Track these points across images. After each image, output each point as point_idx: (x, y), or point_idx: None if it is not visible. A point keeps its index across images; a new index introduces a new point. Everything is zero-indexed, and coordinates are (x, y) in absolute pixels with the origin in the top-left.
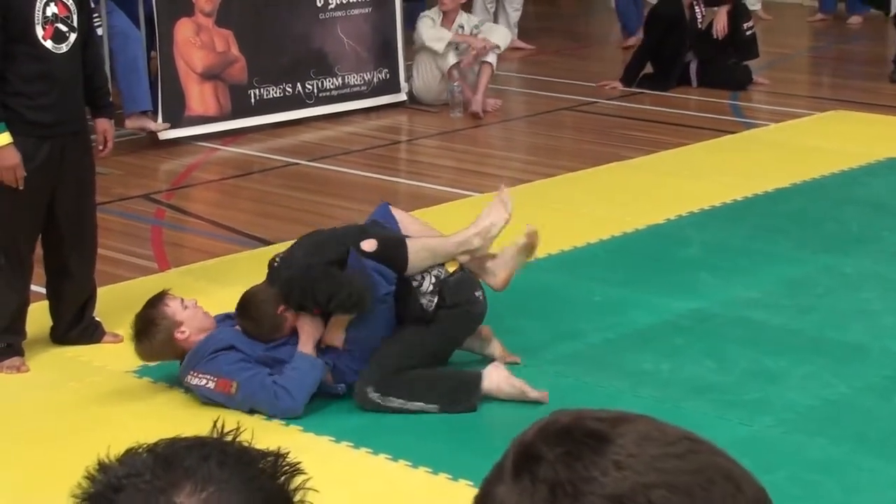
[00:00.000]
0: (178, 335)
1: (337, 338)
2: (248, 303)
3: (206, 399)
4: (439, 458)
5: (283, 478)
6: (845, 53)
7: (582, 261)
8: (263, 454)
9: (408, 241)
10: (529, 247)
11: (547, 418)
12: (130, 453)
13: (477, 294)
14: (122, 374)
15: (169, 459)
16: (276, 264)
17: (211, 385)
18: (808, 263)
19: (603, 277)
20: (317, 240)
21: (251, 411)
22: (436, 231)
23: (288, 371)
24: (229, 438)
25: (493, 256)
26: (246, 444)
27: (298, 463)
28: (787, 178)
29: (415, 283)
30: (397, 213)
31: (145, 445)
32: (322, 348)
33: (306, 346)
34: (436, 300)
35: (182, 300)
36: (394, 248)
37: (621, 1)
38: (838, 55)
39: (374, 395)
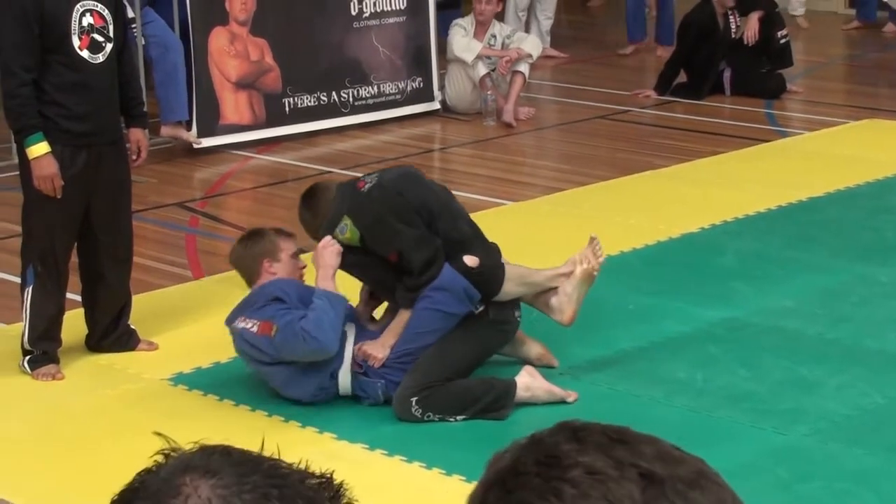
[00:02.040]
0: (267, 265)
1: (381, 351)
2: (315, 191)
3: (248, 348)
4: (473, 467)
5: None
6: (880, 62)
7: (616, 269)
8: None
9: (506, 281)
10: (587, 275)
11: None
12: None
13: (516, 314)
14: (157, 382)
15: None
16: (368, 184)
17: (254, 329)
18: (843, 272)
19: (637, 286)
20: (417, 178)
21: (286, 418)
22: None
23: (309, 313)
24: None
25: (555, 291)
26: (286, 465)
27: (331, 479)
28: (821, 186)
29: None
30: None
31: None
32: (361, 358)
33: (325, 280)
34: (482, 307)
35: (298, 251)
36: (492, 271)
37: (630, 6)
38: (873, 63)
39: (416, 411)
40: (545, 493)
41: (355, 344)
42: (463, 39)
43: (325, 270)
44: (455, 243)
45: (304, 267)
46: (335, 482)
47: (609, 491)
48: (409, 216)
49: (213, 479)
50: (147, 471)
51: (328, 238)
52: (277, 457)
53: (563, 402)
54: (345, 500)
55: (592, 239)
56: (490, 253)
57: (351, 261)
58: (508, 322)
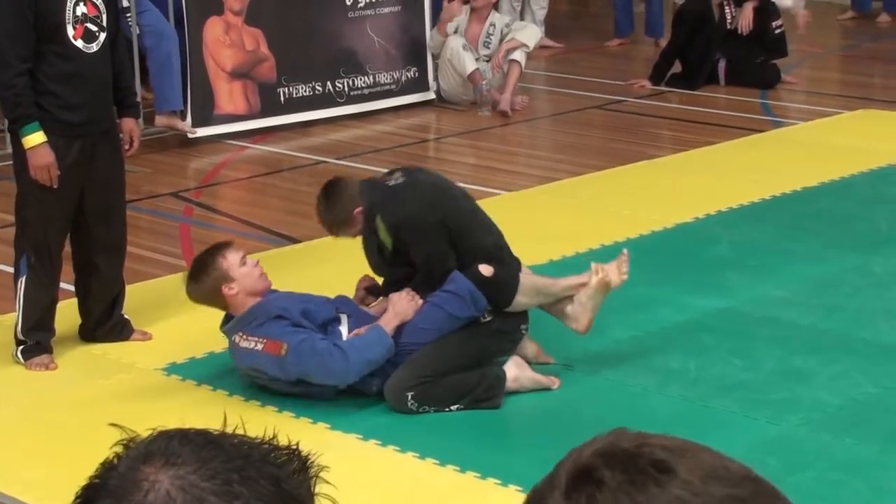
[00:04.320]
0: (226, 290)
1: (389, 325)
2: (335, 187)
3: (252, 368)
4: (467, 457)
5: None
6: (875, 52)
7: (609, 259)
8: (261, 443)
9: (519, 291)
10: (603, 284)
11: (607, 438)
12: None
13: (523, 328)
14: (151, 372)
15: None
16: (395, 182)
17: (259, 347)
18: (836, 262)
19: (631, 276)
20: (445, 198)
21: (280, 408)
22: None
23: (353, 338)
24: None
25: (570, 299)
26: (243, 437)
27: (298, 451)
28: (815, 176)
29: None
30: None
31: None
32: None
33: (388, 323)
34: (490, 317)
35: (244, 256)
36: (505, 282)
37: (619, 1)
38: (868, 54)
39: (412, 404)
40: None
41: (349, 331)
42: (457, 40)
43: (396, 319)
44: (476, 256)
45: (257, 264)
46: (302, 454)
47: None
48: (433, 228)
49: (173, 469)
50: (107, 464)
51: (412, 293)
52: (241, 433)
53: (548, 388)
54: (312, 471)
55: (623, 254)
56: (508, 266)
57: (376, 262)
58: (512, 334)
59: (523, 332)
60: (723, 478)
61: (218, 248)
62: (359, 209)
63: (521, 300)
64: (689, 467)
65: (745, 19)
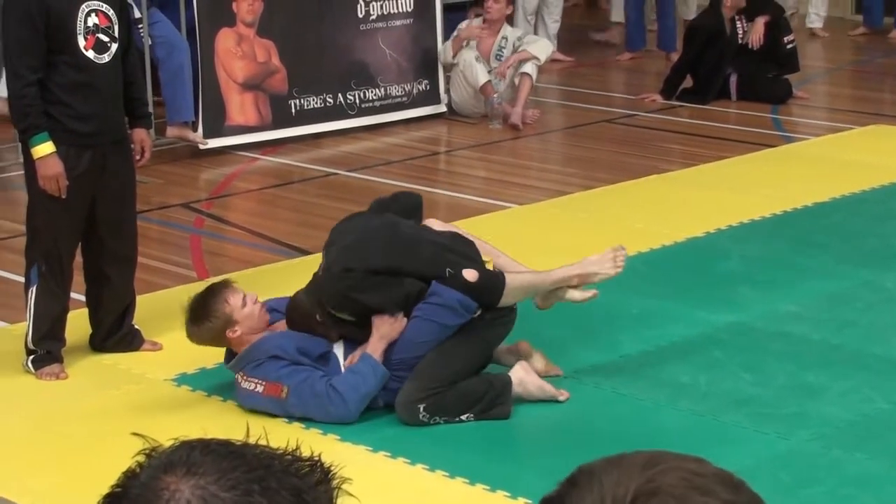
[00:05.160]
0: (230, 333)
1: (376, 351)
2: (293, 312)
3: (254, 408)
4: (477, 469)
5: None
6: (886, 68)
7: (621, 273)
8: (283, 456)
9: (507, 277)
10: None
11: (641, 478)
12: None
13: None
14: (161, 383)
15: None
16: (318, 274)
17: (259, 389)
18: (848, 278)
19: (641, 290)
20: (356, 243)
21: (290, 419)
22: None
23: (346, 374)
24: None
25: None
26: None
27: (320, 463)
28: (827, 192)
29: None
30: (434, 224)
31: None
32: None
33: (375, 348)
34: (480, 311)
35: (244, 296)
36: (492, 282)
37: (631, 16)
38: (879, 69)
39: (424, 417)
40: None
41: (345, 357)
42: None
43: (381, 342)
44: (429, 272)
45: (256, 300)
46: (324, 465)
47: None
48: (367, 285)
49: (194, 479)
50: (129, 473)
51: (395, 313)
52: (264, 444)
53: (554, 400)
54: (334, 483)
55: (620, 247)
56: (468, 260)
57: (356, 333)
58: (505, 316)
59: (514, 308)
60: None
61: (219, 291)
62: (320, 317)
63: (511, 299)
64: None
65: (755, 34)
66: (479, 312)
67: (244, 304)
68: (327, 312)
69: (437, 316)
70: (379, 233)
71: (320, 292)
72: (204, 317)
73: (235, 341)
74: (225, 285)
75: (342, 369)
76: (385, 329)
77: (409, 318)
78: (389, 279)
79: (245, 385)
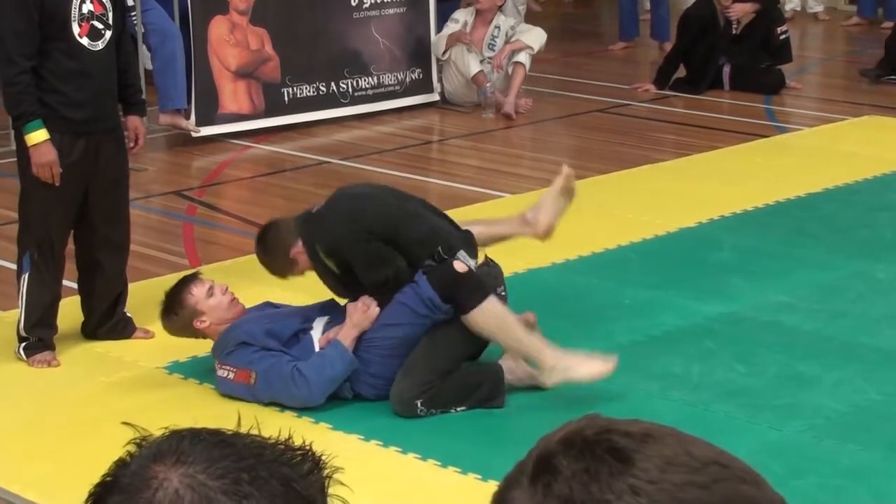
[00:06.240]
0: (198, 324)
1: (347, 338)
2: (267, 231)
3: (229, 394)
4: (468, 458)
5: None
6: (880, 58)
7: (612, 263)
8: (275, 445)
9: (486, 303)
10: (567, 189)
11: (575, 425)
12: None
13: (500, 290)
14: (153, 370)
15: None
16: (317, 208)
17: (231, 376)
18: (840, 269)
19: (633, 280)
20: (363, 206)
21: (282, 408)
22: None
23: (313, 357)
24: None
25: (529, 209)
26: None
27: (312, 452)
28: (820, 182)
29: None
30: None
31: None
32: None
33: (346, 335)
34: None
35: (211, 286)
36: (478, 283)
37: (625, 4)
38: (873, 60)
39: (421, 410)
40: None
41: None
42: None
43: (353, 330)
44: (413, 248)
45: (226, 290)
46: (315, 455)
47: None
48: (362, 238)
49: (183, 468)
50: (119, 462)
51: (370, 300)
52: (255, 433)
53: (543, 386)
54: (325, 472)
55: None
56: (478, 268)
57: (333, 286)
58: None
59: (501, 294)
60: (683, 464)
61: (184, 284)
62: (297, 249)
63: (479, 320)
64: (648, 455)
65: (739, 10)
66: (450, 314)
67: (210, 295)
68: (313, 250)
69: (409, 300)
70: (387, 192)
71: (320, 229)
72: (170, 309)
73: (207, 332)
74: (191, 278)
75: (316, 348)
76: (357, 317)
77: (384, 304)
78: (383, 249)
79: (220, 372)
